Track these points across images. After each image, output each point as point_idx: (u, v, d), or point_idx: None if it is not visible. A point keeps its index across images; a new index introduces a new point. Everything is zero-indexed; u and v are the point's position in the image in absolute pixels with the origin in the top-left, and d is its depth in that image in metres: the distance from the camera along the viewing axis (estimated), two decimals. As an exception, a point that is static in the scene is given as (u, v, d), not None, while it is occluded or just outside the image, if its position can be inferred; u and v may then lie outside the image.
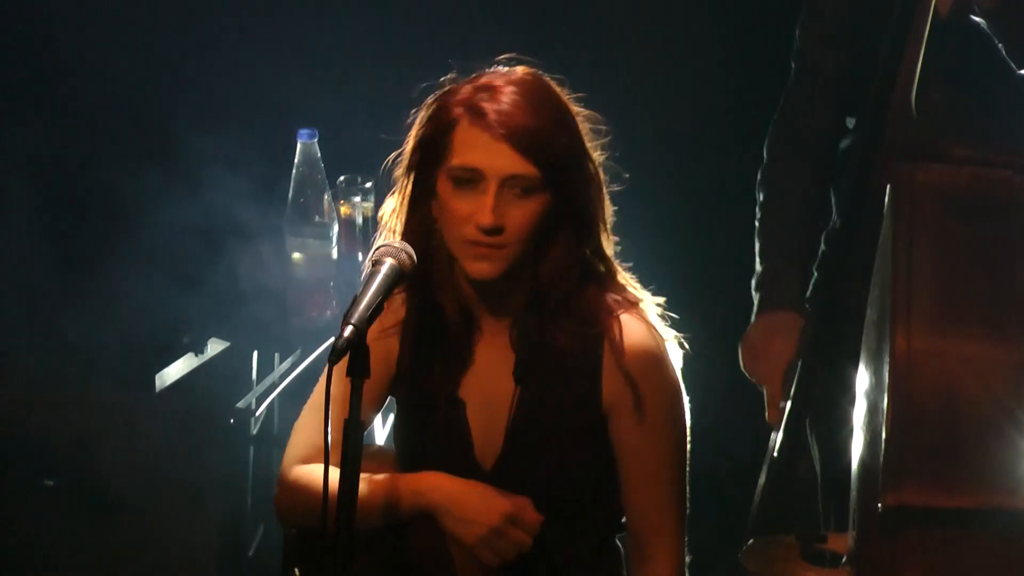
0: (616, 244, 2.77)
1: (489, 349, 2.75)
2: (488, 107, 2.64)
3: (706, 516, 3.14)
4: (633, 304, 2.75)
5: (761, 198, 3.40)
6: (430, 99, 2.73)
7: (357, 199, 4.12)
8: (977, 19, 3.00)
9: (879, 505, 2.61)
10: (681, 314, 2.79)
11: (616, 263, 2.77)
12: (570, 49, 4.71)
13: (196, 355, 4.18)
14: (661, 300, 2.79)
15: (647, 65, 4.79)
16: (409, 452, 2.77)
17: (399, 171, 2.75)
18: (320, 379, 2.72)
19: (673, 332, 2.78)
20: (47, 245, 4.55)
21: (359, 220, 4.13)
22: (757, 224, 3.38)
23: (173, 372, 4.17)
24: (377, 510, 2.64)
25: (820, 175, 3.34)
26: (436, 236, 2.71)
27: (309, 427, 2.74)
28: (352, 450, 2.41)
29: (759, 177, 3.42)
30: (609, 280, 2.75)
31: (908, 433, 2.60)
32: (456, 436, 2.73)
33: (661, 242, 4.61)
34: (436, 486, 2.65)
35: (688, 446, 2.75)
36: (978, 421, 2.61)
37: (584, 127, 2.71)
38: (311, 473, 2.69)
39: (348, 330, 2.39)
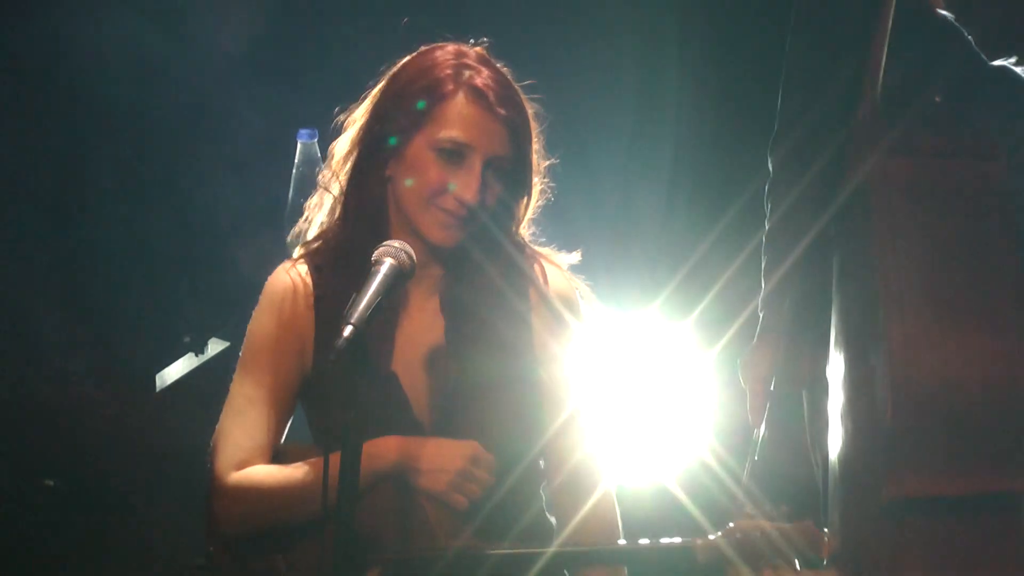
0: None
1: (417, 315, 2.80)
2: (483, 86, 2.71)
3: (690, 517, 3.15)
4: (544, 256, 2.88)
5: (767, 213, 3.40)
6: (408, 67, 2.80)
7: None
8: (945, 12, 3.00)
9: (880, 497, 2.61)
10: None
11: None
12: (574, 48, 4.71)
13: (196, 355, 4.18)
14: (575, 258, 2.91)
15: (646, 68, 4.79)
16: (336, 433, 2.70)
17: (352, 131, 2.81)
18: (233, 384, 2.75)
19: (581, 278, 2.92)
20: (47, 245, 4.55)
21: (359, 220, 4.13)
22: (764, 240, 3.38)
23: (173, 372, 4.17)
24: (332, 489, 2.64)
25: (822, 186, 3.33)
26: (385, 196, 2.77)
27: (232, 432, 2.74)
28: (352, 450, 2.41)
29: (766, 190, 3.42)
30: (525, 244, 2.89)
31: (908, 423, 2.61)
32: (394, 407, 2.76)
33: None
34: (392, 447, 2.68)
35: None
36: (976, 407, 2.62)
37: (535, 122, 2.81)
38: (253, 475, 2.69)
39: (348, 330, 2.40)
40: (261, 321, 2.79)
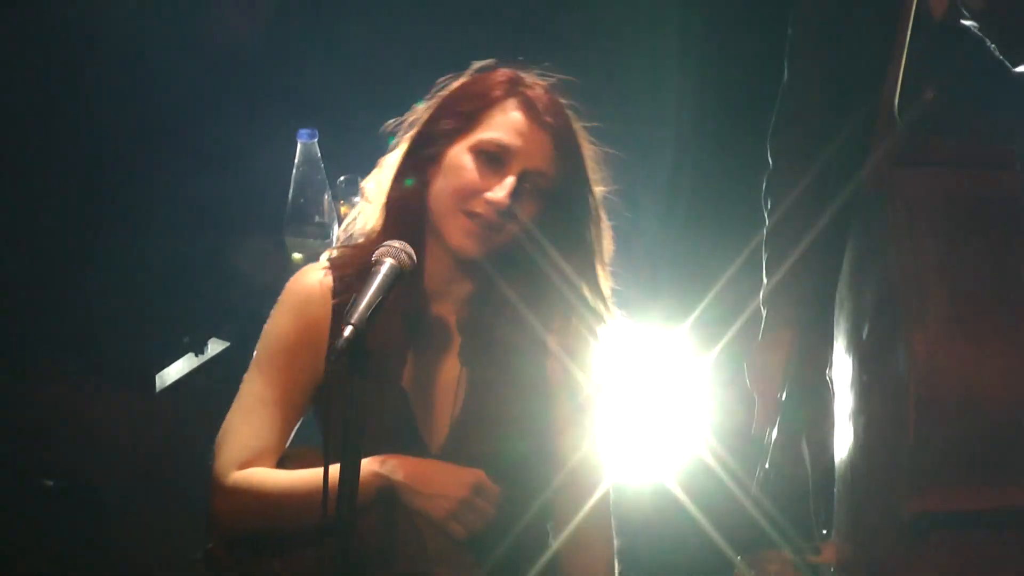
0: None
1: (437, 333, 2.75)
2: (534, 96, 2.68)
3: (696, 530, 3.15)
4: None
5: (768, 207, 3.39)
6: (464, 77, 2.77)
7: (357, 199, 4.12)
8: (968, 23, 2.99)
9: (902, 511, 2.60)
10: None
11: (608, 302, 2.81)
12: (574, 52, 4.71)
13: (196, 355, 4.17)
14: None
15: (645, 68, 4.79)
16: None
17: (401, 137, 2.78)
18: (244, 382, 2.74)
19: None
20: (47, 244, 4.55)
21: (359, 220, 4.14)
22: (765, 234, 3.37)
23: (173, 372, 4.17)
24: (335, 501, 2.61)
25: (822, 182, 3.32)
26: (424, 202, 2.72)
27: (240, 431, 2.73)
28: (352, 450, 2.41)
29: (765, 185, 3.41)
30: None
31: (931, 439, 2.60)
32: (400, 423, 2.73)
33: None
34: (398, 466, 2.65)
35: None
36: (998, 421, 2.61)
37: (592, 160, 2.75)
38: (253, 477, 2.68)
39: (348, 330, 2.39)
40: (278, 321, 2.77)
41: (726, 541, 3.01)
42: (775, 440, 3.12)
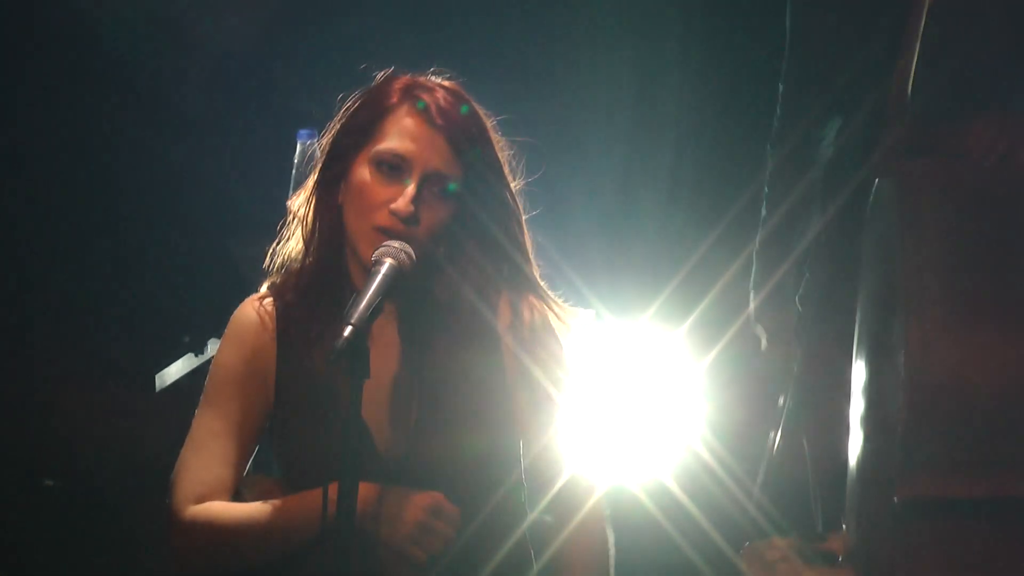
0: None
1: (380, 346, 2.67)
2: (428, 99, 2.66)
3: (696, 529, 3.14)
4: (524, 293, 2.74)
5: (763, 215, 3.38)
6: (360, 90, 2.74)
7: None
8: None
9: (895, 498, 2.60)
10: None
11: (544, 296, 2.75)
12: (574, 46, 4.71)
13: (196, 355, 4.17)
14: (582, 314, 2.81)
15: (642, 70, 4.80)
16: (303, 466, 2.67)
17: (317, 159, 2.75)
18: (195, 417, 2.71)
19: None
20: (47, 244, 4.56)
21: (359, 220, 4.13)
22: (756, 247, 3.35)
23: (173, 372, 4.17)
24: (295, 532, 2.59)
25: (822, 185, 3.32)
26: (340, 224, 2.69)
27: (192, 466, 2.69)
28: (351, 453, 2.39)
29: (766, 190, 3.40)
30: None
31: (922, 424, 2.60)
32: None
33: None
34: None
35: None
36: (993, 410, 2.62)
37: (503, 153, 2.73)
38: (211, 510, 2.64)
39: (348, 330, 2.37)
40: (225, 354, 2.74)
41: (725, 539, 3.01)
42: (777, 440, 3.13)
